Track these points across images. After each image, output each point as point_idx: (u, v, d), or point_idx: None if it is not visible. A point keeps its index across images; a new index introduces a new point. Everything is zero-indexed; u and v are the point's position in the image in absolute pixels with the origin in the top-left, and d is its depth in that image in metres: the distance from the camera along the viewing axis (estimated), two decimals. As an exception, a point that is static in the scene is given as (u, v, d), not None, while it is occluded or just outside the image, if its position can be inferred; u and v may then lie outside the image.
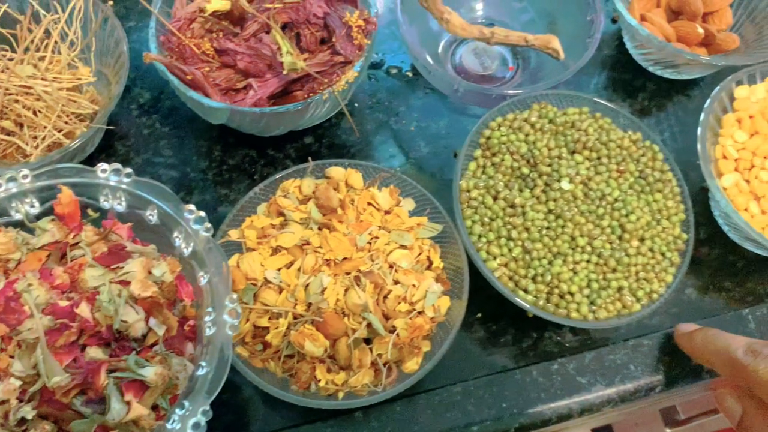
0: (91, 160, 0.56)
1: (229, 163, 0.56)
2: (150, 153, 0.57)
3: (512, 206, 0.47)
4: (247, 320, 0.44)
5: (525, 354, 0.49)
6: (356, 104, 0.59)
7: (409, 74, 0.61)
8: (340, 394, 0.43)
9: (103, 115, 0.50)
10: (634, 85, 0.61)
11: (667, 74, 0.60)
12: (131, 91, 0.59)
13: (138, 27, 0.62)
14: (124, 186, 0.43)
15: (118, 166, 0.43)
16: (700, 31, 0.57)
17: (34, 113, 0.50)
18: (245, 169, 0.56)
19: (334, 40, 0.51)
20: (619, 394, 0.47)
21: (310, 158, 0.49)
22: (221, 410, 0.47)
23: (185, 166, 0.56)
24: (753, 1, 0.60)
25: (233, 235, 0.46)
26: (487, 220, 0.47)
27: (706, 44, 0.59)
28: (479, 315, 0.51)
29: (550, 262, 0.45)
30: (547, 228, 0.46)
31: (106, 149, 0.56)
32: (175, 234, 0.42)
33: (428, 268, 0.47)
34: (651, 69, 0.60)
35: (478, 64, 0.60)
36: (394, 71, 0.61)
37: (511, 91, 0.51)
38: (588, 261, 0.46)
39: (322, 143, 0.57)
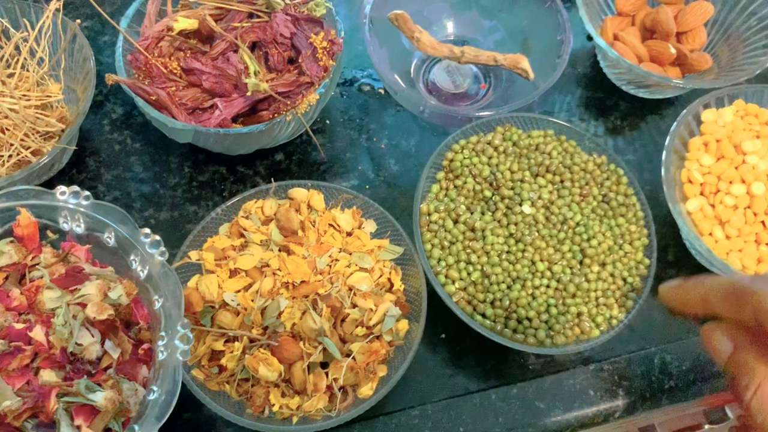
0: (62, 176, 0.56)
1: (198, 180, 0.56)
2: (121, 169, 0.57)
3: (472, 230, 0.47)
4: (204, 343, 0.44)
5: (488, 376, 0.49)
6: (328, 121, 0.60)
7: (381, 91, 0.61)
8: (295, 419, 0.43)
9: (69, 134, 0.50)
10: (607, 104, 0.61)
11: (641, 93, 0.60)
12: (104, 107, 0.60)
13: (113, 42, 0.62)
14: (82, 209, 0.43)
15: (76, 188, 0.43)
16: (673, 51, 0.57)
17: (1, 131, 0.50)
18: (215, 186, 0.56)
19: (300, 60, 0.52)
20: (578, 419, 0.47)
21: (273, 179, 0.49)
22: (183, 429, 0.48)
23: (155, 182, 0.56)
24: (728, 21, 0.59)
25: (193, 256, 0.46)
26: (446, 243, 0.47)
27: (680, 64, 0.59)
28: (443, 335, 0.51)
29: (509, 287, 0.46)
30: (507, 252, 0.46)
31: (77, 165, 0.57)
32: (132, 257, 0.43)
33: (389, 290, 0.47)
34: (624, 88, 0.60)
35: (450, 82, 0.60)
36: (366, 88, 0.61)
37: (475, 114, 0.51)
38: (547, 286, 0.46)
39: (292, 160, 0.57)
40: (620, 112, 0.61)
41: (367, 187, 0.57)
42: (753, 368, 0.32)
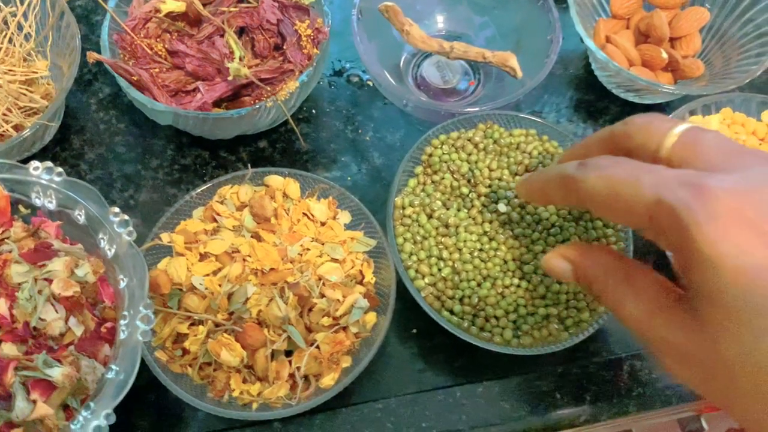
0: (45, 153, 0.56)
1: (180, 163, 0.56)
2: (104, 148, 0.57)
3: (446, 226, 0.47)
4: (169, 325, 0.44)
5: (457, 373, 0.49)
6: (314, 111, 0.59)
7: (370, 83, 0.60)
8: (255, 405, 0.43)
9: (50, 109, 0.50)
10: (597, 106, 0.61)
11: (630, 97, 0.59)
12: (92, 86, 0.60)
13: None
14: (54, 185, 0.43)
15: (50, 164, 0.43)
16: (665, 56, 0.56)
17: (-16, 105, 0.51)
18: (196, 170, 0.56)
19: (285, 47, 0.51)
20: (543, 422, 0.47)
21: (249, 166, 0.49)
22: (148, 410, 0.48)
23: (137, 163, 0.56)
24: (723, 28, 0.59)
25: (164, 238, 0.46)
26: (419, 238, 0.46)
27: (672, 69, 0.58)
28: (414, 330, 0.51)
29: (478, 285, 0.45)
30: (480, 250, 0.46)
31: (62, 142, 0.57)
32: (100, 235, 0.43)
33: (360, 282, 0.47)
34: (615, 92, 0.60)
35: (440, 78, 0.60)
36: (355, 80, 0.61)
37: (458, 109, 0.51)
38: (518, 286, 0.45)
39: (275, 148, 0.57)
40: (610, 116, 0.60)
41: (349, 178, 0.56)
42: (596, 275, 0.34)
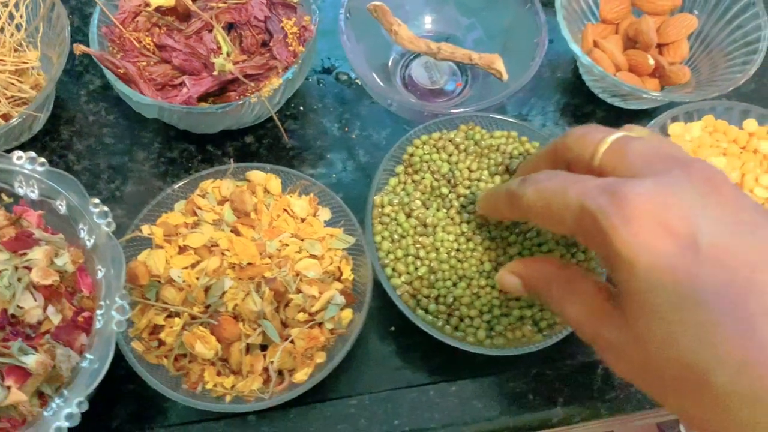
0: (34, 142, 0.57)
1: (167, 156, 0.57)
2: (93, 139, 0.58)
3: (424, 225, 0.47)
4: (146, 316, 0.44)
5: (433, 372, 0.49)
6: (302, 108, 0.60)
7: (358, 82, 0.61)
8: (228, 398, 0.43)
9: (37, 100, 0.50)
10: (584, 111, 0.61)
11: (617, 102, 0.59)
12: (83, 77, 0.60)
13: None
14: (37, 175, 0.44)
15: (33, 154, 0.44)
16: (651, 62, 0.56)
17: (-28, 93, 0.51)
18: (182, 164, 0.57)
19: (271, 44, 0.52)
20: (515, 422, 0.47)
21: (232, 160, 0.50)
22: (126, 400, 0.48)
23: (125, 155, 0.57)
24: (711, 35, 0.59)
25: (145, 230, 0.47)
26: (397, 237, 0.47)
27: (660, 76, 0.58)
28: (393, 328, 0.51)
29: (454, 284, 0.46)
30: (457, 250, 0.46)
31: (51, 133, 0.58)
32: (81, 226, 0.43)
33: (338, 279, 0.48)
34: (601, 96, 0.60)
35: (427, 78, 0.60)
36: (344, 78, 0.61)
37: (442, 110, 0.51)
38: (493, 287, 0.46)
39: (262, 143, 0.58)
40: (596, 120, 0.60)
41: (334, 175, 0.57)
42: (540, 285, 0.37)
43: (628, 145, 0.32)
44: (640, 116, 0.61)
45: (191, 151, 0.57)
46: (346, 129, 0.59)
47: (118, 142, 0.58)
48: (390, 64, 0.61)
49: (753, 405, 0.25)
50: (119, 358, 0.45)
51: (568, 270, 0.36)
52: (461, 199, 0.48)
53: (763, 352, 0.25)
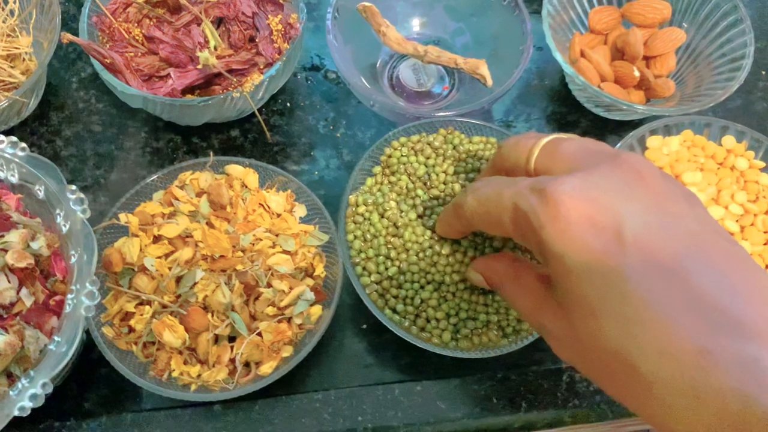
0: (23, 127, 0.58)
1: (153, 146, 0.58)
2: (81, 126, 0.58)
3: (396, 226, 0.47)
4: (118, 303, 0.45)
5: (402, 371, 0.50)
6: (288, 104, 0.60)
7: (346, 81, 0.61)
8: (194, 386, 0.44)
9: (25, 85, 0.51)
10: (569, 119, 0.61)
11: (600, 113, 0.59)
12: (75, 65, 0.61)
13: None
14: (17, 160, 0.45)
15: (14, 139, 0.45)
16: (636, 74, 0.57)
17: (-38, 77, 0.52)
18: (167, 154, 0.57)
19: (257, 40, 0.52)
20: (477, 425, 0.48)
21: (211, 153, 0.50)
22: (98, 383, 0.49)
23: (111, 143, 0.58)
24: (698, 48, 0.59)
25: (122, 218, 0.48)
26: (369, 236, 0.47)
27: (646, 88, 0.59)
28: (365, 326, 0.52)
29: (422, 287, 0.46)
30: (426, 253, 0.47)
31: (40, 118, 0.59)
32: (57, 211, 0.44)
33: (310, 275, 0.48)
34: (586, 106, 0.60)
35: (415, 80, 0.61)
36: (332, 76, 0.62)
37: (424, 113, 0.52)
38: (464, 289, 0.46)
39: (247, 138, 0.58)
40: (580, 130, 0.61)
41: (316, 173, 0.57)
42: (496, 279, 0.40)
43: (560, 146, 0.33)
44: (625, 127, 0.61)
45: (177, 142, 0.58)
46: (332, 127, 0.60)
47: (106, 130, 0.58)
48: (378, 64, 0.61)
49: (677, 392, 0.26)
50: (94, 343, 0.45)
51: (517, 264, 0.38)
52: (434, 201, 0.48)
53: (682, 341, 0.26)
